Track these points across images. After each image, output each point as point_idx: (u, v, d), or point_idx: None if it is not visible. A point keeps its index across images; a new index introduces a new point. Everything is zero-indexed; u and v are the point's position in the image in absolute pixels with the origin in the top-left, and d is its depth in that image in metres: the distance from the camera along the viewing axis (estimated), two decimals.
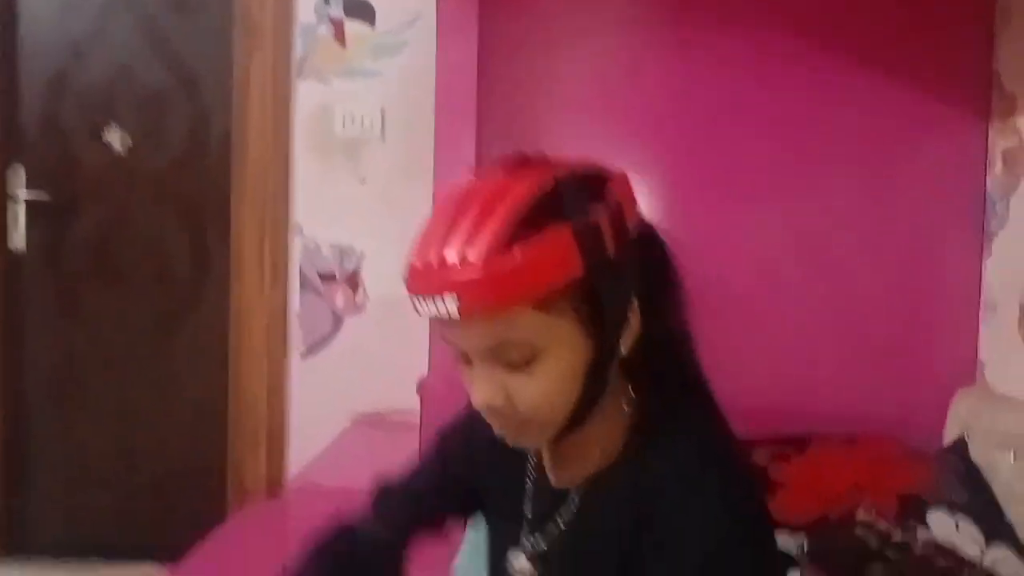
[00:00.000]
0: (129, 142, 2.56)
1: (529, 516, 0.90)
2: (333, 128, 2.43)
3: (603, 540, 0.82)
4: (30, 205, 2.54)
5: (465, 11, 2.00)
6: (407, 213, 2.36)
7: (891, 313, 2.02)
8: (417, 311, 0.76)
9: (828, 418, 1.86)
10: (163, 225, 2.62)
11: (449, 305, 0.72)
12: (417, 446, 2.15)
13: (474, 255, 0.72)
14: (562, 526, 0.86)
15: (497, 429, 0.81)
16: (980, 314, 1.97)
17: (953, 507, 1.53)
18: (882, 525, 1.06)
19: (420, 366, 2.28)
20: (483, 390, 0.78)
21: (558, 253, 0.73)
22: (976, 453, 1.70)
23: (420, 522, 1.01)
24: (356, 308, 2.47)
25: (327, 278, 2.47)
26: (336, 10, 2.43)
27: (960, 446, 1.74)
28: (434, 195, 2.12)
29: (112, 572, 2.61)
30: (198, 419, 2.65)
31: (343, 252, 2.46)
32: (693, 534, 0.75)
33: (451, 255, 0.72)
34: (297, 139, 2.45)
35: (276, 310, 2.47)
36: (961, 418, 1.88)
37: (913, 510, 1.52)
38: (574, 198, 0.75)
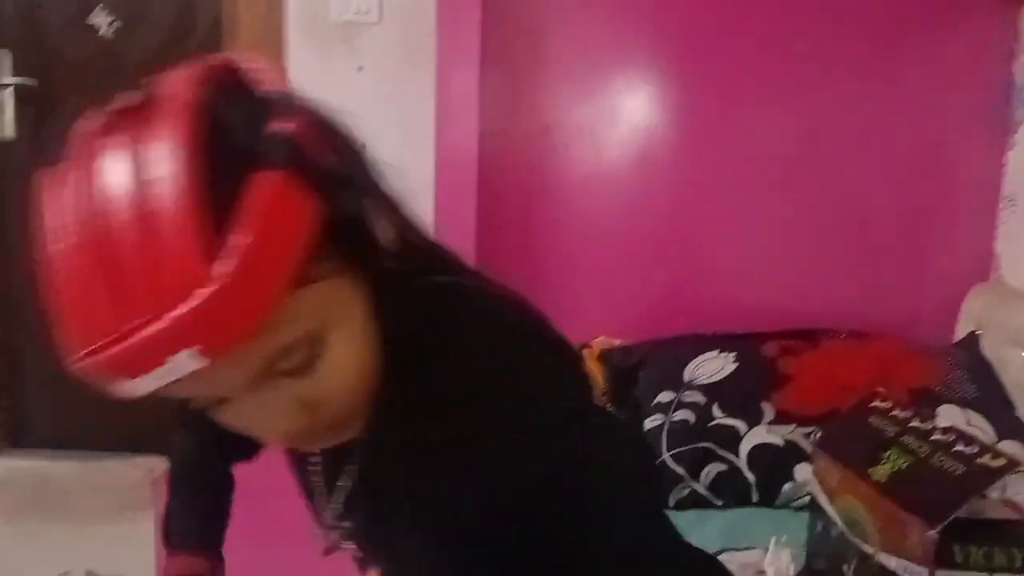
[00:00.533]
0: (118, 24, 2.44)
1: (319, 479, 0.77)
2: (328, 12, 2.32)
3: (394, 484, 0.71)
4: (17, 91, 2.45)
5: None
6: (407, 101, 2.32)
7: (906, 208, 1.95)
8: (128, 395, 0.56)
9: (839, 315, 1.82)
10: None
11: (187, 361, 0.51)
12: None
13: (174, 302, 0.49)
14: (350, 484, 0.74)
15: (305, 447, 0.69)
16: (999, 208, 1.91)
17: (964, 402, 1.52)
18: (899, 412, 1.03)
19: None
20: (278, 420, 0.59)
21: (281, 219, 0.52)
22: (988, 348, 1.67)
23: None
24: None
25: None
26: None
27: (971, 341, 1.71)
28: (439, 86, 2.03)
29: (116, 464, 2.63)
30: None
31: None
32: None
33: (142, 321, 0.50)
34: (290, 25, 2.34)
35: None
36: (974, 314, 1.84)
37: (924, 404, 1.50)
38: (244, 134, 0.54)
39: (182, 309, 0.49)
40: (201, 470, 0.98)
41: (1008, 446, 1.45)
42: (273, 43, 2.34)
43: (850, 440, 1.06)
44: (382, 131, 2.42)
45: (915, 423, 1.00)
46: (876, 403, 1.08)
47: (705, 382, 1.54)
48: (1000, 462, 0.90)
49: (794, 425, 1.49)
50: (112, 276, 0.50)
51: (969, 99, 1.91)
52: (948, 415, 1.48)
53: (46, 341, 0.59)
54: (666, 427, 1.52)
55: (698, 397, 1.53)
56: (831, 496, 1.04)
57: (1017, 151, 1.87)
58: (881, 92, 1.93)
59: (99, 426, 2.68)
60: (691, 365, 1.58)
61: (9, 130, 2.46)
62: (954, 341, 1.81)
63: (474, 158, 1.75)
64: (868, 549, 0.94)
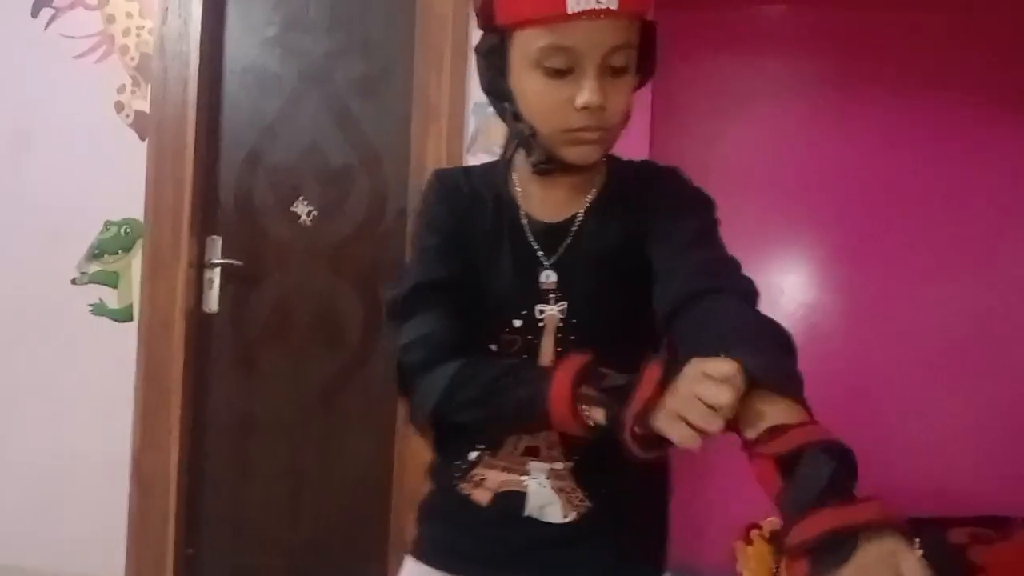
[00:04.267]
0: (315, 214, 2.73)
1: (536, 247, 1.05)
2: None
3: (610, 242, 1.04)
4: (224, 270, 2.74)
5: None
6: None
7: None
8: (568, 8, 0.89)
9: (1007, 504, 1.73)
10: (338, 293, 2.76)
11: (611, 1, 0.91)
12: None
13: None
14: (569, 241, 1.05)
15: (585, 132, 0.96)
16: None
17: None
18: None
19: None
20: (594, 90, 0.93)
21: None
22: None
23: (462, 302, 1.03)
24: None
25: None
26: None
27: None
28: None
29: None
30: (362, 480, 2.73)
31: None
32: (678, 191, 1.06)
33: None
34: None
35: None
36: None
37: None
38: None
39: None
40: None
41: None
42: None
43: None
44: None
45: None
46: None
47: None
48: None
49: None
50: None
51: None
52: None
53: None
54: None
55: None
56: None
57: None
58: None
59: None
60: None
61: (214, 304, 2.74)
62: None
63: None
64: None
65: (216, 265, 2.73)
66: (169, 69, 2.68)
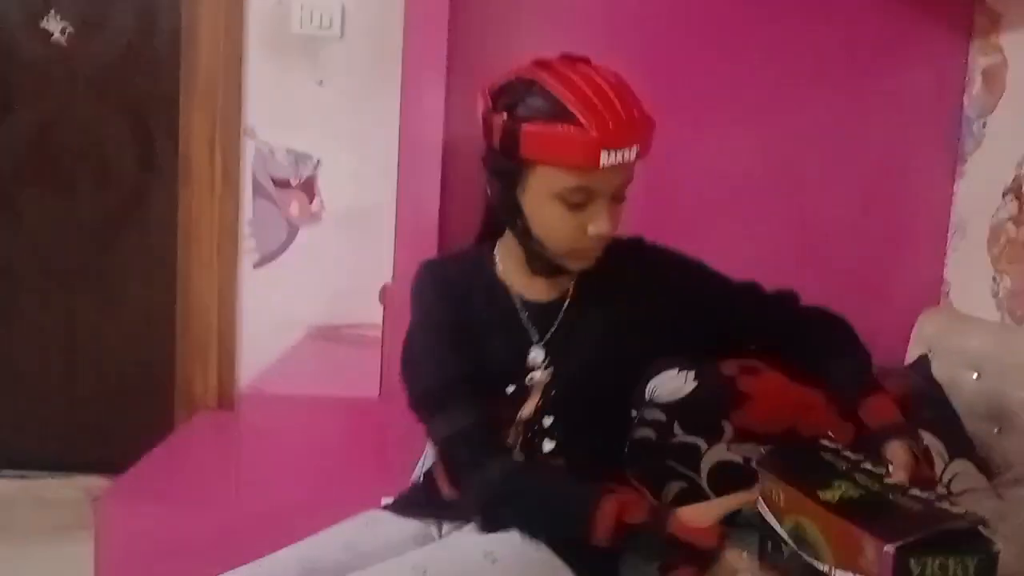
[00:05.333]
0: (71, 31, 2.39)
1: (528, 327, 1.16)
2: (289, 25, 2.30)
3: (597, 318, 1.17)
4: None
5: None
6: (368, 117, 2.30)
7: (859, 234, 1.99)
8: (601, 165, 1.01)
9: None
10: (106, 124, 2.48)
11: (632, 152, 1.04)
12: (378, 355, 2.12)
13: (641, 112, 1.05)
14: (560, 319, 1.16)
15: (589, 252, 1.11)
16: (948, 236, 1.96)
17: (917, 422, 1.53)
18: (850, 454, 1.04)
19: (377, 279, 2.22)
20: (607, 222, 1.07)
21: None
22: (939, 371, 1.70)
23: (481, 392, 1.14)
24: (312, 217, 2.38)
25: (281, 185, 2.37)
26: None
27: (923, 364, 1.74)
28: (404, 101, 2.01)
29: (58, 485, 2.54)
30: (145, 329, 2.56)
31: (298, 158, 2.36)
32: (690, 266, 1.25)
33: (630, 114, 1.03)
34: (251, 35, 2.32)
35: (227, 217, 2.36)
36: (925, 338, 1.88)
37: None
38: None
39: (639, 122, 1.05)
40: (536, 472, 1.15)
41: (959, 465, 1.47)
42: (233, 54, 2.31)
43: (799, 465, 1.06)
44: (342, 141, 2.42)
45: (867, 465, 1.01)
46: (826, 443, 1.09)
47: (666, 400, 1.54)
48: (960, 511, 0.91)
49: (753, 443, 1.49)
50: (614, 93, 1.04)
51: (924, 129, 1.97)
52: None
53: None
54: (627, 445, 1.51)
55: (659, 415, 1.52)
56: (779, 515, 1.03)
57: (966, 181, 1.93)
58: (843, 121, 1.97)
59: (37, 446, 2.60)
60: (652, 383, 1.57)
61: None
62: (907, 363, 1.84)
63: (438, 171, 1.73)
64: (822, 567, 0.94)
65: None
66: None
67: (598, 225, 1.07)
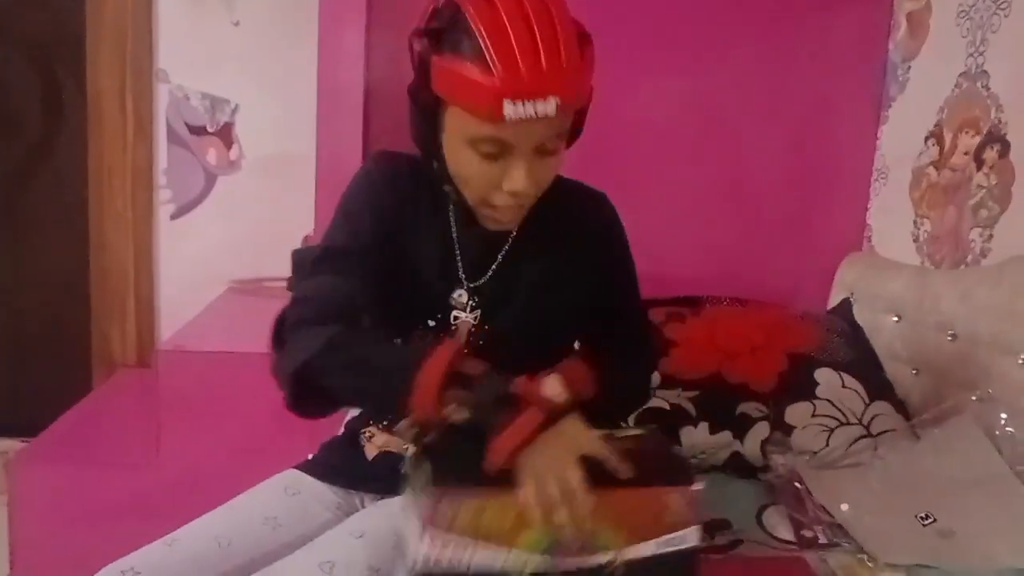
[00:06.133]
0: None
1: (461, 258, 1.06)
2: None
3: (531, 268, 1.07)
4: None
5: None
6: (289, 60, 2.21)
7: (788, 179, 2.00)
8: (505, 117, 0.87)
9: (721, 282, 1.85)
10: (7, 67, 2.33)
11: (549, 105, 0.88)
12: None
13: (568, 60, 0.89)
14: (493, 266, 1.07)
15: (506, 211, 0.99)
16: (871, 181, 1.98)
17: (839, 365, 1.56)
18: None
19: (300, 230, 2.15)
20: (522, 179, 0.94)
21: (592, 62, 0.95)
22: (860, 314, 1.73)
23: (370, 281, 1.01)
24: (230, 165, 2.29)
25: (197, 131, 2.27)
26: None
27: (845, 307, 1.77)
28: (321, 40, 1.93)
29: None
30: (58, 285, 2.46)
31: (215, 103, 2.26)
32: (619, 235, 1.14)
33: (551, 62, 0.87)
34: None
35: (140, 166, 2.26)
36: (847, 283, 1.91)
37: (802, 367, 1.54)
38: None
39: (559, 70, 0.88)
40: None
41: (878, 407, 1.50)
42: None
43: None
44: (261, 86, 2.31)
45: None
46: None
47: None
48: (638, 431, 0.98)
49: (680, 389, 1.50)
50: (535, 35, 0.88)
51: (848, 75, 1.97)
52: (825, 378, 1.52)
53: None
54: None
55: None
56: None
57: (889, 126, 1.94)
58: (770, 67, 1.96)
59: None
60: None
61: None
62: (829, 308, 1.87)
63: (360, 116, 1.67)
64: (603, 559, 0.83)
65: None
66: None
67: (512, 181, 0.94)
